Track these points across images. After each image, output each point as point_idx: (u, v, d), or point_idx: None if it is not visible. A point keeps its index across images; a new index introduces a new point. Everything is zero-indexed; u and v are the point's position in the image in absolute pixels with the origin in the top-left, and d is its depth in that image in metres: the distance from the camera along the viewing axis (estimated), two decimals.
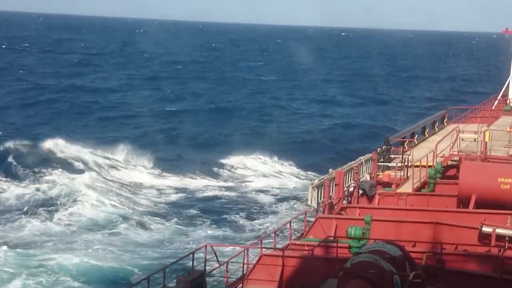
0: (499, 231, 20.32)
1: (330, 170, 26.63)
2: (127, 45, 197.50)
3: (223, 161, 52.75)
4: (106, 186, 44.15)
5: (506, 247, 20.03)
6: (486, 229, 20.49)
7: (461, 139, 31.37)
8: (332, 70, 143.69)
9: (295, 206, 41.28)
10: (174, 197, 43.80)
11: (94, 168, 48.73)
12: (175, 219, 38.41)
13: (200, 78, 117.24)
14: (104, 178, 46.09)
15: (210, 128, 68.44)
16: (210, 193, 44.83)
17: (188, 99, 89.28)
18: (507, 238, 20.24)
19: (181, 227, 37.22)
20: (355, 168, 27.43)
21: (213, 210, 40.57)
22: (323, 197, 24.91)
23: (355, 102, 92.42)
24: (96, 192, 41.99)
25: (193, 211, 40.17)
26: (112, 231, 35.66)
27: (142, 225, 36.73)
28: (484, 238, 20.57)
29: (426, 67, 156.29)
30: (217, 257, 17.95)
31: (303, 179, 48.22)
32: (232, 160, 53.05)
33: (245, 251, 18.57)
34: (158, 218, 38.32)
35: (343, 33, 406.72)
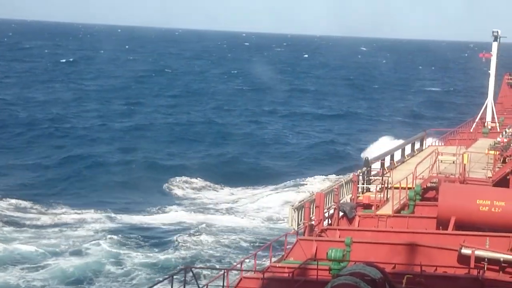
0: (478, 252, 20.39)
1: (311, 192, 26.62)
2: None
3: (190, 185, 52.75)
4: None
5: (485, 268, 20.15)
6: (465, 251, 20.56)
7: (440, 161, 31.60)
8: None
9: (276, 228, 41.19)
10: (143, 221, 42.95)
11: None
12: (152, 242, 38.02)
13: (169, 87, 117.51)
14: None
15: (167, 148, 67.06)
16: (182, 216, 43.98)
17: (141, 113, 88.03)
18: (486, 259, 20.33)
19: (155, 250, 36.93)
20: (335, 190, 27.47)
21: (190, 233, 40.08)
22: (304, 219, 24.88)
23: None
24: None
25: (167, 236, 39.51)
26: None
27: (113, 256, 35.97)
28: (463, 259, 20.62)
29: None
30: (196, 280, 17.80)
31: (281, 200, 48.22)
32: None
33: (225, 274, 18.43)
34: (127, 247, 37.54)
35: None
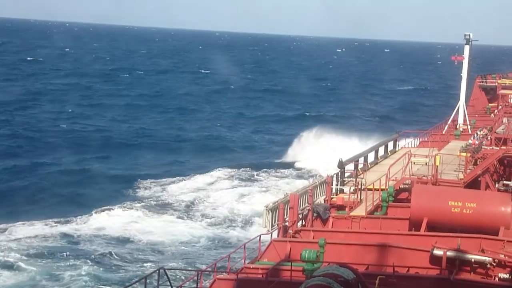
0: (450, 253, 20.62)
1: (285, 193, 26.67)
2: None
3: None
4: None
5: (457, 269, 20.39)
6: (437, 251, 20.77)
7: (412, 163, 31.90)
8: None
9: (250, 229, 41.17)
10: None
11: None
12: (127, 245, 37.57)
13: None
14: None
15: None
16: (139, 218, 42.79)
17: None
18: (457, 260, 20.57)
19: (130, 252, 36.42)
20: (310, 191, 27.56)
21: (166, 236, 39.66)
22: (278, 220, 24.90)
23: None
24: None
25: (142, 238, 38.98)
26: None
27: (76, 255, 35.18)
28: (435, 260, 20.84)
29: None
30: (170, 281, 17.71)
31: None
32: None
33: (199, 275, 18.37)
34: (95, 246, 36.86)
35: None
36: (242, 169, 57.68)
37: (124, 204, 45.29)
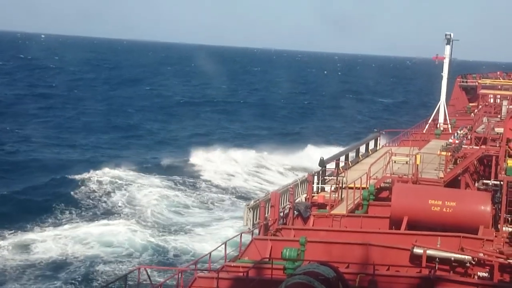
0: (430, 252, 20.73)
1: (267, 191, 26.68)
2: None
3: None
4: None
5: (437, 268, 20.51)
6: (417, 250, 20.88)
7: (393, 162, 32.04)
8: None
9: (231, 227, 41.08)
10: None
11: None
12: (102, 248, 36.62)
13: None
14: None
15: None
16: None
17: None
18: (437, 259, 20.69)
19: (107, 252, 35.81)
20: (291, 189, 27.58)
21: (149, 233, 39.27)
22: (259, 219, 24.90)
23: None
24: None
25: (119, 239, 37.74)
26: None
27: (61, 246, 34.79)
28: (415, 259, 20.95)
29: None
30: (150, 280, 17.62)
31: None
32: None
33: (179, 273, 18.29)
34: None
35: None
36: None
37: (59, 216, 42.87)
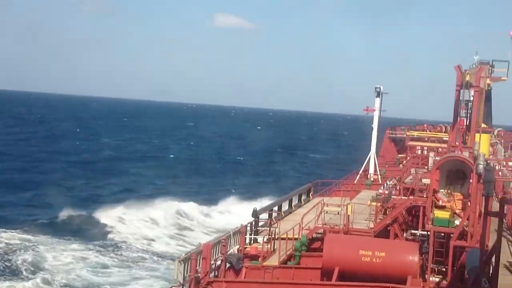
0: None
1: (198, 243, 26.31)
2: None
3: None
4: None
5: None
6: None
7: (325, 212, 32.30)
8: None
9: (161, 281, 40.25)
10: None
11: None
12: None
13: None
14: None
15: None
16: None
17: None
18: None
19: None
20: (223, 240, 27.32)
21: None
22: (190, 271, 24.46)
23: None
24: None
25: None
26: None
27: None
28: None
29: None
30: None
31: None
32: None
33: None
34: None
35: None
36: None
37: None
